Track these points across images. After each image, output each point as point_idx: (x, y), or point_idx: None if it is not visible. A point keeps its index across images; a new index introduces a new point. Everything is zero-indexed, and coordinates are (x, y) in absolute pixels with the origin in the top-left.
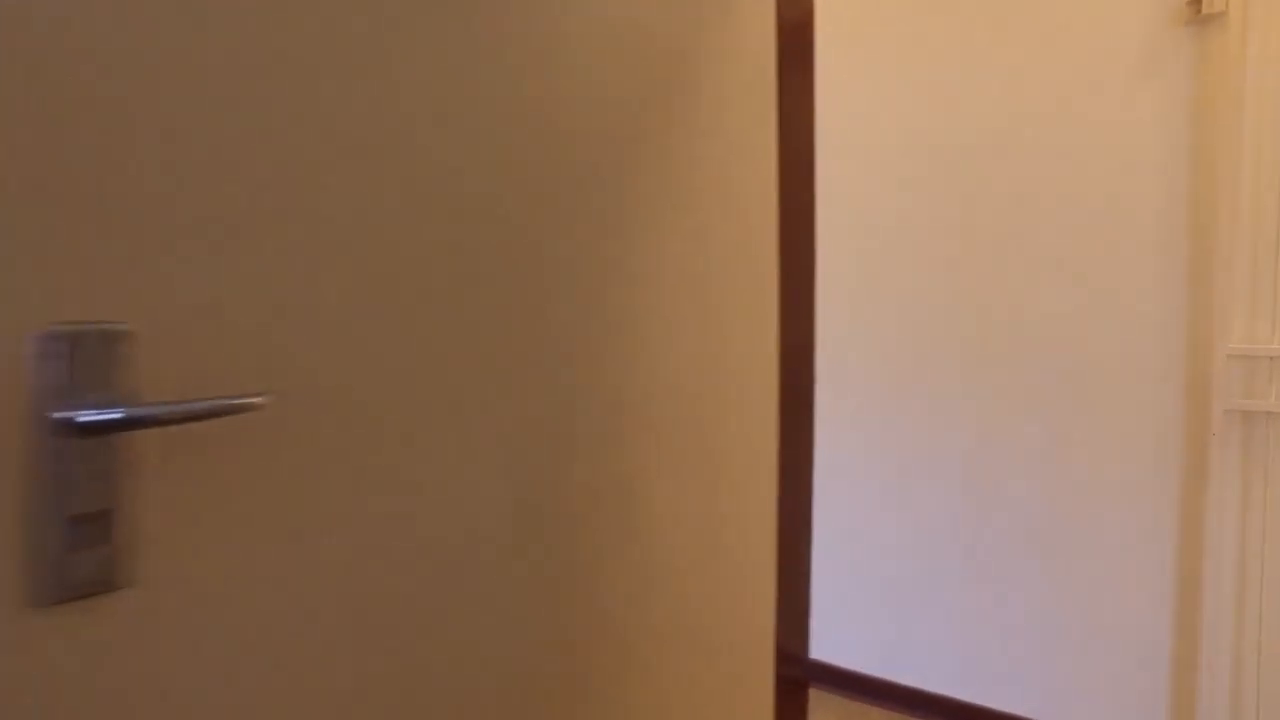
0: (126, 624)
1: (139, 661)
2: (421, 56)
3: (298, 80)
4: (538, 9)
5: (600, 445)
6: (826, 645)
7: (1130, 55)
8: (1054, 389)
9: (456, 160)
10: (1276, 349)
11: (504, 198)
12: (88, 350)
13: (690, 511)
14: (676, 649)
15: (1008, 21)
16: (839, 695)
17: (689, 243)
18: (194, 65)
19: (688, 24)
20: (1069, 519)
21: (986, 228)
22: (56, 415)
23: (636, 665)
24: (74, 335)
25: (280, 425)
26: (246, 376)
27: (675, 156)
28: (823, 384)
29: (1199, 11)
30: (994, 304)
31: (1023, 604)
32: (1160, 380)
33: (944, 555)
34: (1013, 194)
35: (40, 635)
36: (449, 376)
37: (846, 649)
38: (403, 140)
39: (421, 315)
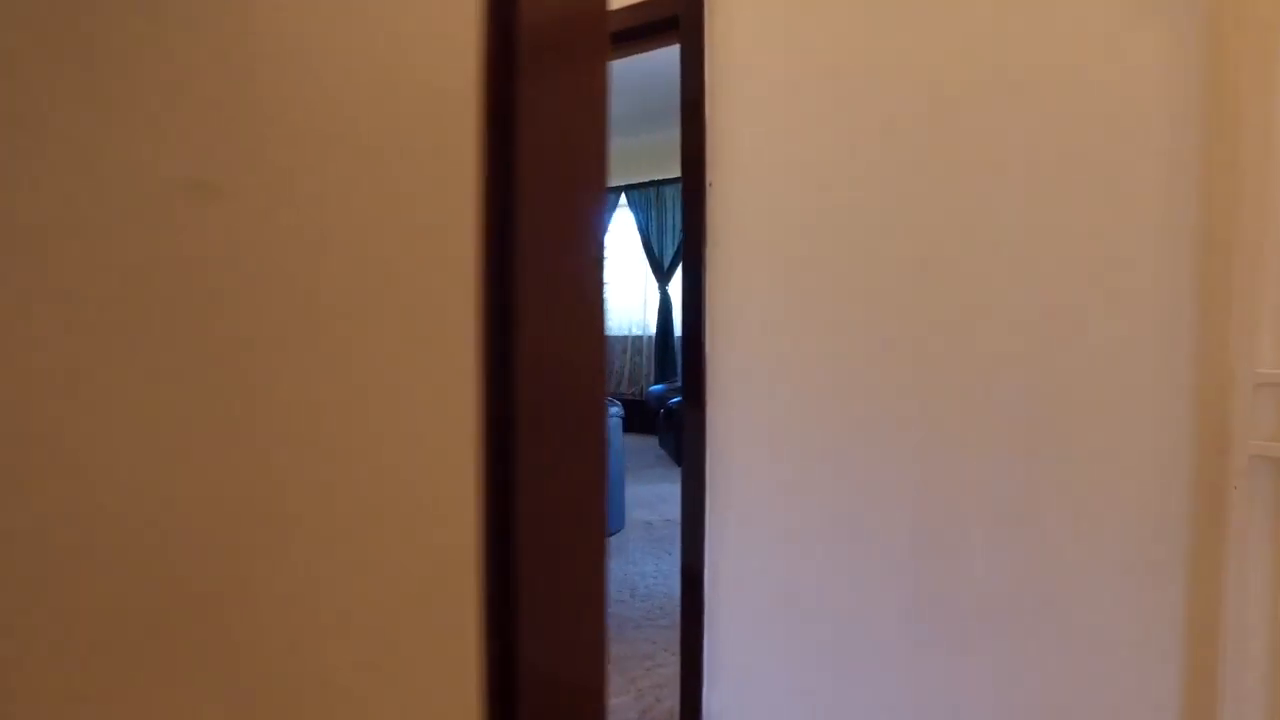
0: None
1: None
2: None
3: None
4: None
5: None
6: None
7: None
8: (1023, 425)
9: None
10: None
11: None
12: None
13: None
14: None
15: None
16: None
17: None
18: None
19: None
20: (1043, 594)
21: (938, 220)
22: None
23: None
24: None
25: None
26: None
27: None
28: (736, 419)
29: None
30: (947, 316)
31: (982, 696)
32: (1163, 415)
33: (888, 633)
34: (971, 175)
35: None
36: None
37: None
38: None
39: None
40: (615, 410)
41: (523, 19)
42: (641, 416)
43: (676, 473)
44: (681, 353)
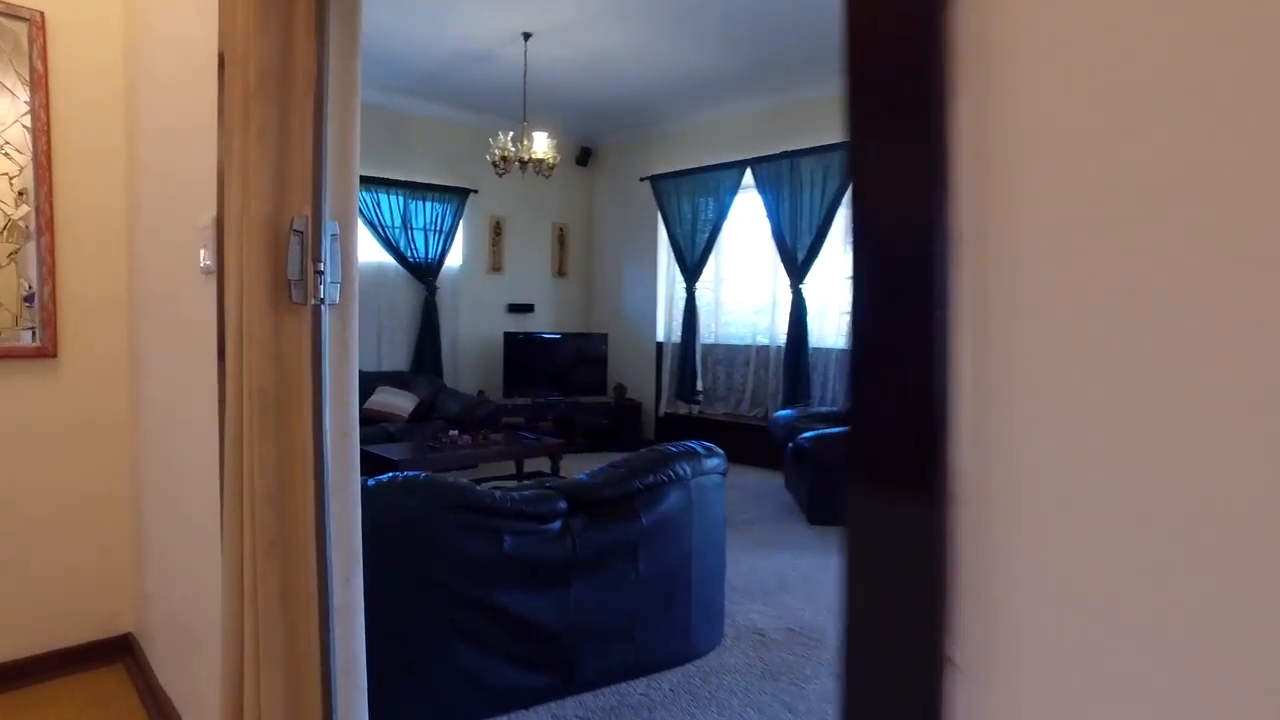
0: None
1: None
2: None
3: None
4: None
5: None
6: None
7: None
8: None
9: None
10: None
11: None
12: None
13: None
14: None
15: None
16: None
17: None
18: None
19: None
20: None
21: None
22: None
23: None
24: None
25: None
26: None
27: None
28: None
29: None
30: None
31: None
32: None
33: None
34: None
35: None
36: None
37: None
38: None
39: None
40: (715, 461)
41: None
42: (763, 447)
43: (807, 531)
44: (853, 347)
